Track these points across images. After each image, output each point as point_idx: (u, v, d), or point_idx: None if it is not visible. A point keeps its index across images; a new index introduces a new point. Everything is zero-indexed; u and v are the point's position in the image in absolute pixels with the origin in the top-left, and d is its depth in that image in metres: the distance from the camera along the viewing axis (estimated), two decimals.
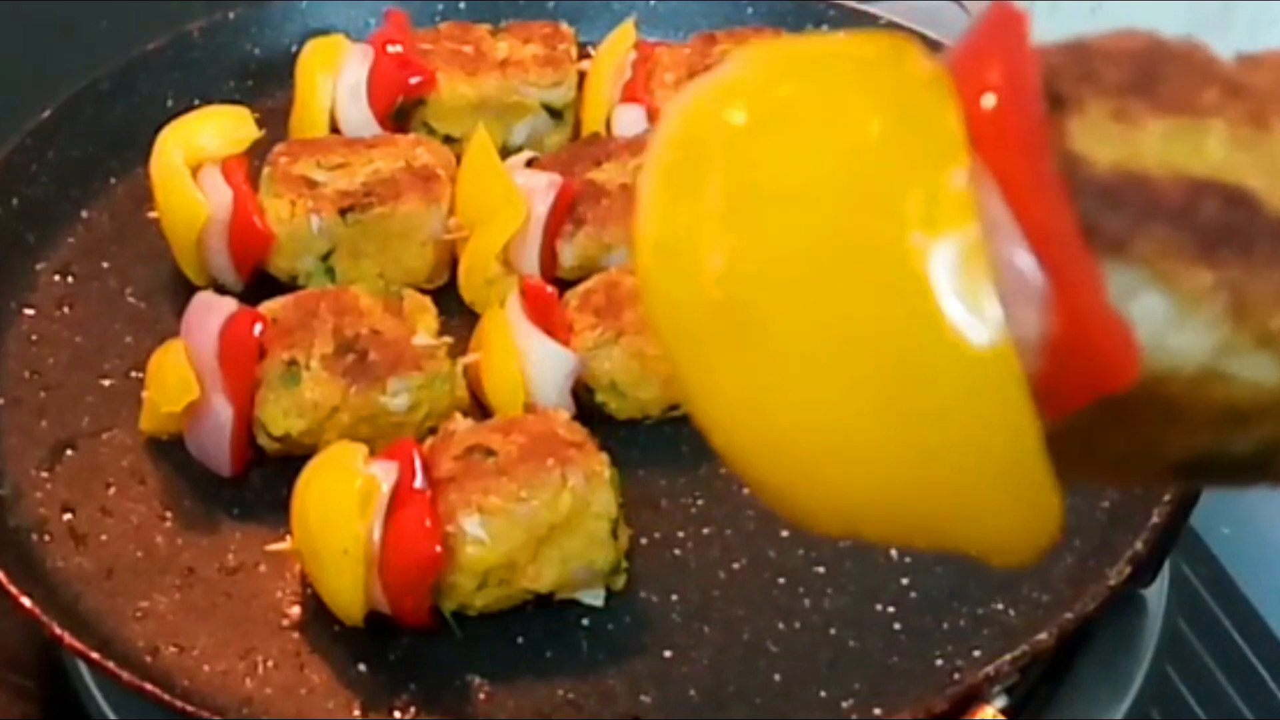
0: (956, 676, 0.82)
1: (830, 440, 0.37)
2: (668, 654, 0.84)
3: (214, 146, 1.04)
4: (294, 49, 1.18)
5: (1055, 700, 0.87)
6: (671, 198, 0.39)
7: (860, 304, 0.35)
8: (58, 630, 0.80)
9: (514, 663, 0.84)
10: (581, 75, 1.16)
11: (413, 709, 0.82)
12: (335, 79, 1.13)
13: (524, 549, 0.82)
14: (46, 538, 0.90)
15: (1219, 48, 0.38)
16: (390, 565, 0.81)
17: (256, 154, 1.05)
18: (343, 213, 1.01)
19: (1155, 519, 0.84)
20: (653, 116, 1.12)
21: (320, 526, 0.82)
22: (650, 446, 0.95)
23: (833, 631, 0.85)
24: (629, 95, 1.14)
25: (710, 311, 0.37)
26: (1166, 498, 0.85)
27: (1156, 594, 0.92)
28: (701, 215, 0.38)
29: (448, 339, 0.94)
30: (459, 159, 1.05)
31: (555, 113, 1.16)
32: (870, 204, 0.35)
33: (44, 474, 0.94)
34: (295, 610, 0.86)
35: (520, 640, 0.85)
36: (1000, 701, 0.80)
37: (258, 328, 0.92)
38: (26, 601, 0.82)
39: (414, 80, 1.13)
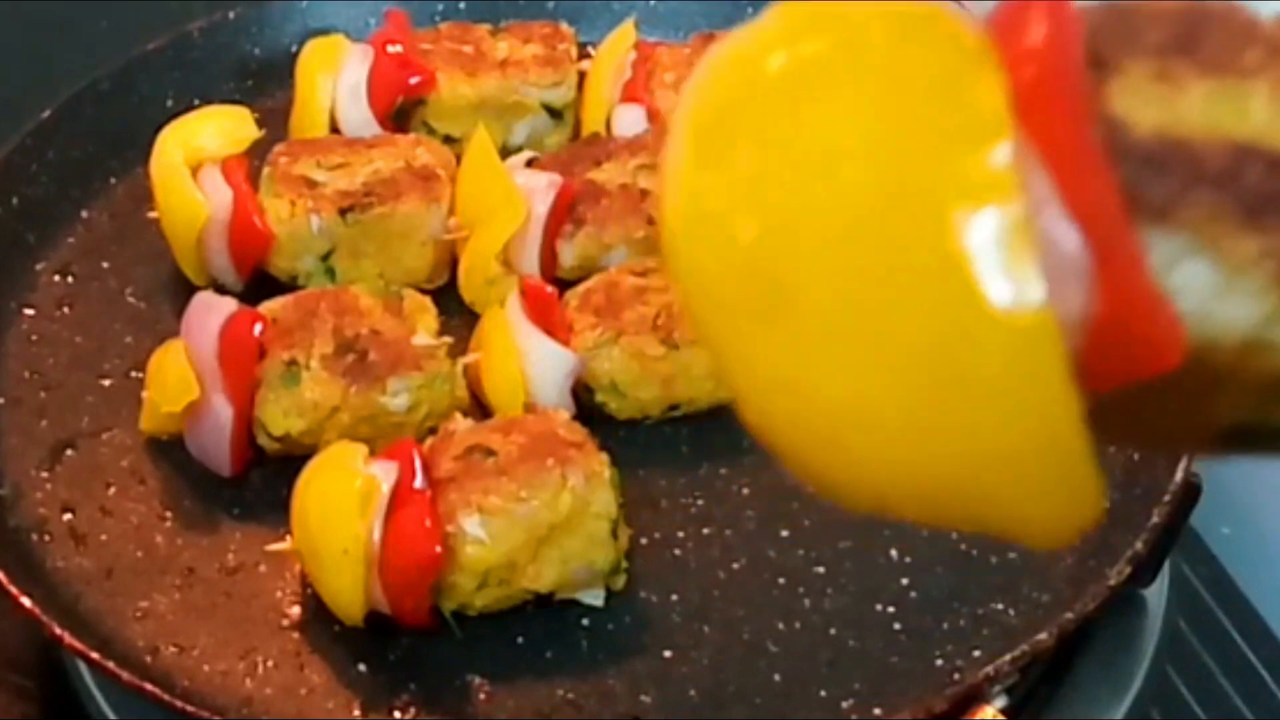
0: (956, 676, 0.82)
1: (863, 414, 0.36)
2: (668, 654, 0.84)
3: (214, 146, 1.04)
4: (294, 49, 1.18)
5: (1055, 700, 0.87)
6: (701, 160, 0.38)
7: (899, 277, 0.34)
8: (58, 630, 0.80)
9: (514, 663, 0.84)
10: (581, 75, 1.16)
11: (413, 709, 0.82)
12: (335, 79, 1.13)
13: (524, 549, 0.82)
14: (46, 538, 0.90)
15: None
16: (390, 565, 0.81)
17: (256, 154, 1.05)
18: (343, 213, 1.01)
19: (1155, 519, 0.84)
20: (653, 116, 1.12)
21: (320, 526, 0.82)
22: (650, 446, 0.95)
23: (833, 631, 0.85)
24: (629, 95, 1.14)
25: (741, 280, 0.36)
26: (1166, 498, 0.85)
27: (1156, 594, 0.92)
28: (733, 179, 0.37)
29: (448, 339, 0.94)
30: (459, 159, 1.05)
31: (555, 113, 1.16)
32: (911, 175, 0.34)
33: (44, 474, 0.94)
34: (295, 610, 0.86)
35: (520, 640, 0.85)
36: (1000, 701, 0.80)
37: (258, 328, 0.92)
38: (26, 601, 0.82)
39: (414, 80, 1.13)
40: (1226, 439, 0.38)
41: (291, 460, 0.88)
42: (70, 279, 1.08)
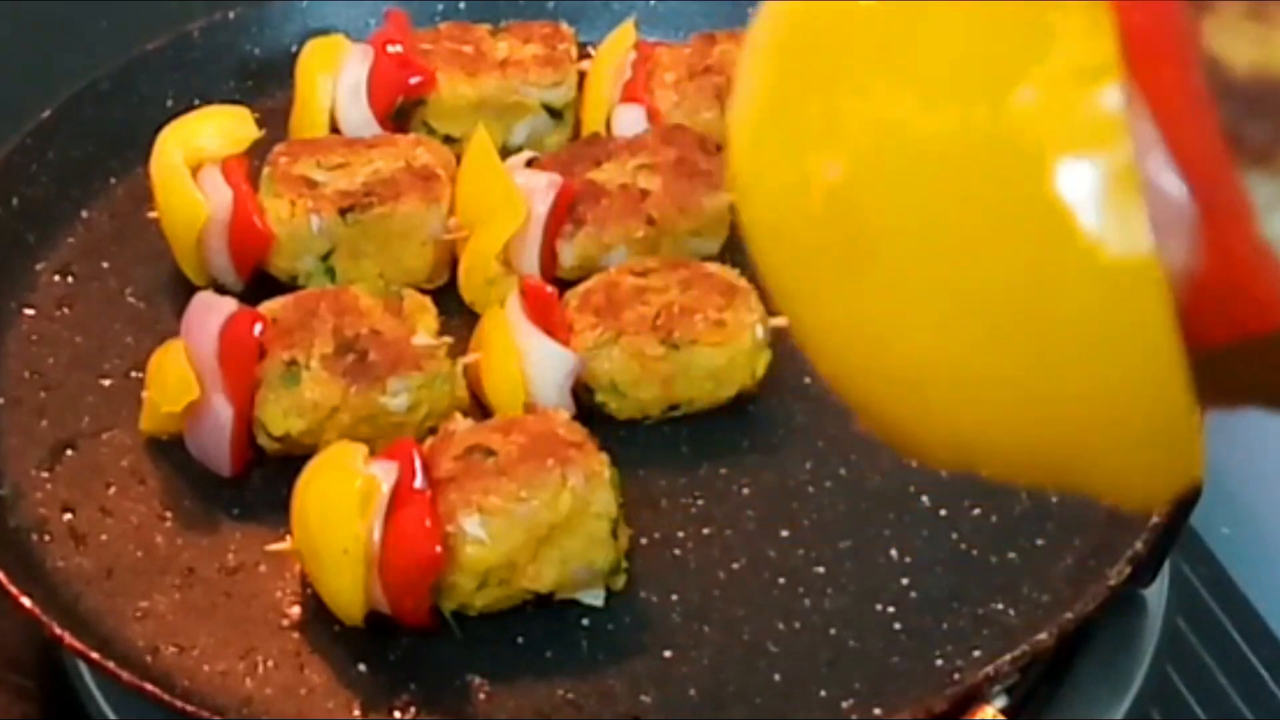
0: (956, 676, 0.82)
1: (957, 367, 0.34)
2: (668, 654, 0.84)
3: (214, 146, 1.04)
4: (294, 49, 1.18)
5: (1055, 700, 0.87)
6: (781, 93, 0.36)
7: (998, 223, 0.33)
8: (58, 630, 0.80)
9: (514, 663, 0.84)
10: (581, 75, 1.16)
11: (413, 709, 0.82)
12: (335, 79, 1.13)
13: (524, 549, 0.82)
14: (46, 538, 0.90)
15: None
16: (390, 565, 0.81)
17: (256, 154, 1.05)
18: (343, 213, 1.01)
19: (1155, 519, 0.84)
20: (653, 116, 1.12)
21: (320, 526, 0.82)
22: (650, 446, 0.95)
23: (833, 631, 0.85)
24: (629, 95, 1.14)
25: (822, 224, 0.34)
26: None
27: (1156, 594, 0.92)
28: (818, 115, 0.34)
29: (448, 339, 0.94)
30: (459, 159, 1.05)
31: (555, 113, 1.16)
32: (1014, 116, 0.32)
33: (44, 474, 0.94)
34: (295, 610, 0.86)
35: (520, 640, 0.85)
36: (1000, 701, 0.80)
37: (258, 328, 0.92)
38: (26, 601, 0.82)
39: (414, 80, 1.13)
40: None
41: (291, 460, 0.88)
42: (70, 279, 1.08)
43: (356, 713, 0.82)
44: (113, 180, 1.14)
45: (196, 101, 1.15)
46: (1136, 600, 0.91)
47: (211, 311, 0.92)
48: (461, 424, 0.87)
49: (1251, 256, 0.32)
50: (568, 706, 0.82)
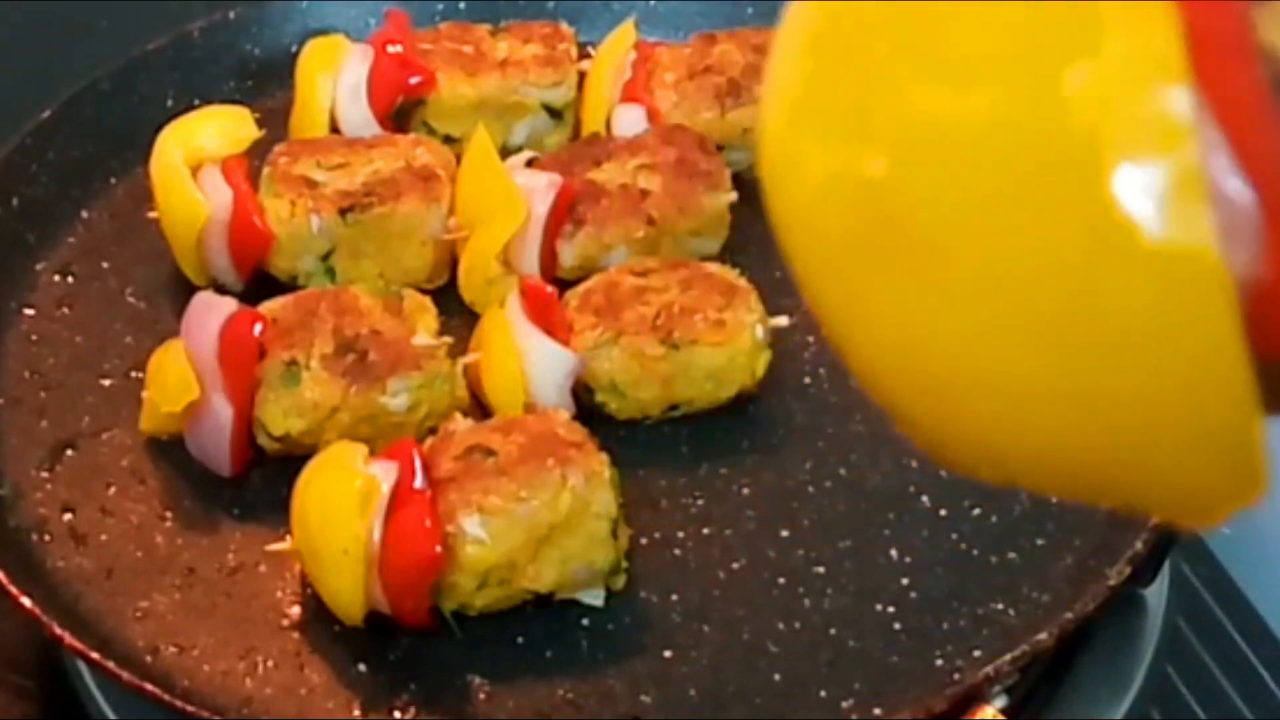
0: (956, 676, 0.82)
1: (1006, 376, 0.32)
2: (668, 654, 0.84)
3: (214, 146, 1.04)
4: (294, 49, 1.18)
5: (1055, 700, 0.87)
6: (818, 80, 0.34)
7: (1056, 226, 0.31)
8: (58, 630, 0.80)
9: (514, 663, 0.84)
10: (581, 75, 1.16)
11: (413, 709, 0.82)
12: (335, 79, 1.13)
13: (524, 549, 0.82)
14: (46, 538, 0.90)
15: None
16: (390, 565, 0.81)
17: (256, 154, 1.05)
18: (343, 213, 1.01)
19: (1155, 519, 0.84)
20: (653, 116, 1.12)
21: (320, 526, 0.82)
22: (650, 446, 0.95)
23: (833, 631, 0.85)
24: (629, 95, 1.14)
25: (862, 222, 0.33)
26: None
27: (1156, 594, 0.92)
28: (856, 105, 0.33)
29: (448, 339, 0.94)
30: (459, 159, 1.05)
31: (555, 113, 1.16)
32: (1073, 114, 0.31)
33: (44, 474, 0.94)
34: (295, 610, 0.86)
35: (520, 640, 0.85)
36: (1000, 701, 0.80)
37: (258, 328, 0.92)
38: (26, 601, 0.82)
39: (414, 80, 1.13)
40: None
41: (291, 460, 0.88)
42: (70, 279, 1.08)
43: (356, 713, 0.82)
44: (113, 180, 1.14)
45: (196, 101, 1.15)
46: (1136, 600, 0.91)
47: (211, 311, 0.92)
48: (461, 424, 0.87)
49: None
50: (568, 706, 0.82)
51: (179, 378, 0.90)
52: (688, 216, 1.03)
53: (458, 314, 1.02)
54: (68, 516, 0.92)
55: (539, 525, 0.81)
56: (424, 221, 1.02)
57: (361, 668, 0.84)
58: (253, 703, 0.82)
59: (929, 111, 0.32)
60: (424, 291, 1.00)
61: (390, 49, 1.14)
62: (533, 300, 0.95)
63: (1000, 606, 0.86)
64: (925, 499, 0.91)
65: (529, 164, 1.06)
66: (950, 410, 0.34)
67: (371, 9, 1.24)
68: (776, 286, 0.96)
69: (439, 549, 0.80)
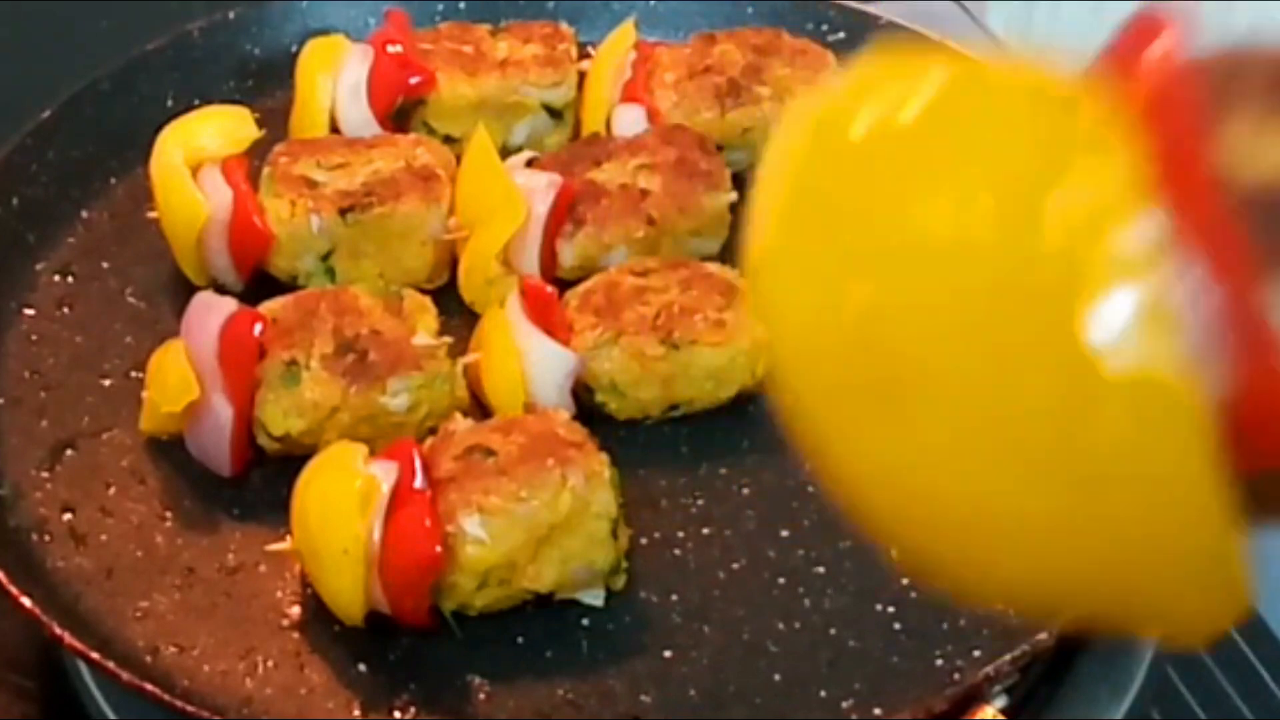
0: (956, 676, 0.82)
1: (993, 508, 0.33)
2: (668, 654, 0.84)
3: (214, 146, 1.04)
4: (294, 49, 1.18)
5: (1055, 700, 0.87)
6: (803, 217, 0.35)
7: (1033, 362, 0.32)
8: (58, 630, 0.80)
9: (514, 663, 0.84)
10: (581, 75, 1.16)
11: (413, 709, 0.82)
12: (335, 79, 1.13)
13: (524, 549, 0.82)
14: (46, 538, 0.90)
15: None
16: (390, 565, 0.81)
17: (256, 154, 1.05)
18: (343, 213, 1.01)
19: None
20: (652, 116, 1.12)
21: (320, 526, 0.82)
22: (650, 446, 0.95)
23: (833, 631, 0.85)
24: (629, 95, 1.14)
25: (853, 350, 0.34)
26: None
27: None
28: (842, 238, 0.34)
29: (448, 339, 0.94)
30: (459, 159, 1.05)
31: (555, 113, 1.16)
32: (1042, 251, 0.31)
33: (44, 474, 0.94)
34: (295, 610, 0.86)
35: (520, 640, 0.85)
36: (1000, 701, 0.80)
37: (258, 328, 0.92)
38: (26, 601, 0.82)
39: (414, 80, 1.13)
40: None
41: (291, 460, 0.88)
42: (70, 279, 1.08)
43: (356, 713, 0.82)
44: (113, 180, 1.14)
45: (196, 101, 1.15)
46: None
47: (211, 311, 0.92)
48: (461, 424, 0.87)
49: None
50: (568, 706, 0.82)
51: (179, 378, 0.90)
52: (688, 216, 1.03)
53: (458, 314, 1.02)
54: (68, 516, 0.92)
55: (539, 525, 0.81)
56: (424, 221, 1.02)
57: (361, 668, 0.84)
58: (253, 703, 0.82)
59: (909, 242, 0.33)
60: (424, 291, 1.00)
61: (390, 49, 1.14)
62: (533, 300, 0.95)
63: (1000, 606, 0.86)
64: None
65: (529, 164, 1.06)
66: (950, 543, 0.35)
67: (371, 9, 1.24)
68: None
69: (439, 549, 0.80)
